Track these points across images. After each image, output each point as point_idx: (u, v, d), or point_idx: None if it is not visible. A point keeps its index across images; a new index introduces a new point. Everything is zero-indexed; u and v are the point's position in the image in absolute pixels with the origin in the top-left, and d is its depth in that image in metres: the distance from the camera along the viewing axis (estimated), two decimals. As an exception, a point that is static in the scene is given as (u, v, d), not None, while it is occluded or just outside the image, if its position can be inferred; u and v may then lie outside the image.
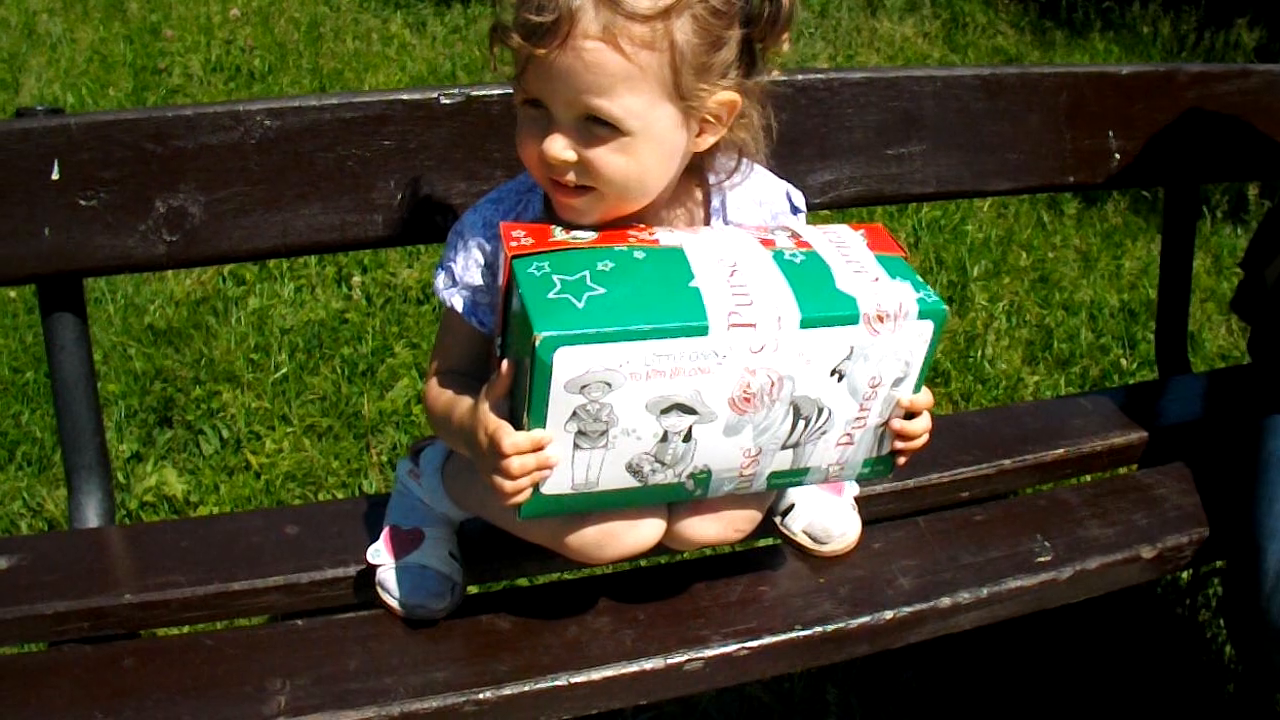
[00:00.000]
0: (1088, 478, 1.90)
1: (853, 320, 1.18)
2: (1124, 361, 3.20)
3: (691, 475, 1.22)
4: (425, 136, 1.59)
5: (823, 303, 1.17)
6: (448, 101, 1.58)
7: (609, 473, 1.18)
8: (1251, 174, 2.67)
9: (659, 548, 1.33)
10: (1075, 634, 2.16)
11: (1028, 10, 5.48)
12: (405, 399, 2.83)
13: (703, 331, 1.12)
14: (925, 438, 1.30)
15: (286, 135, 1.54)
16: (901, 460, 1.32)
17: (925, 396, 1.27)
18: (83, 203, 1.49)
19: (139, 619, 1.43)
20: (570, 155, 1.16)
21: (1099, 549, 1.58)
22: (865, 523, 1.57)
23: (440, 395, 1.30)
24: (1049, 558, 1.55)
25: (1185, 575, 2.34)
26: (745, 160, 1.30)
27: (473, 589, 1.47)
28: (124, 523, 2.38)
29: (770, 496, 1.40)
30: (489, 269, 1.28)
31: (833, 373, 1.20)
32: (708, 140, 1.23)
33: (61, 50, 4.81)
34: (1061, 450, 1.79)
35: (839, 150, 1.79)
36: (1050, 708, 2.04)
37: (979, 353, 3.14)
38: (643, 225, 1.25)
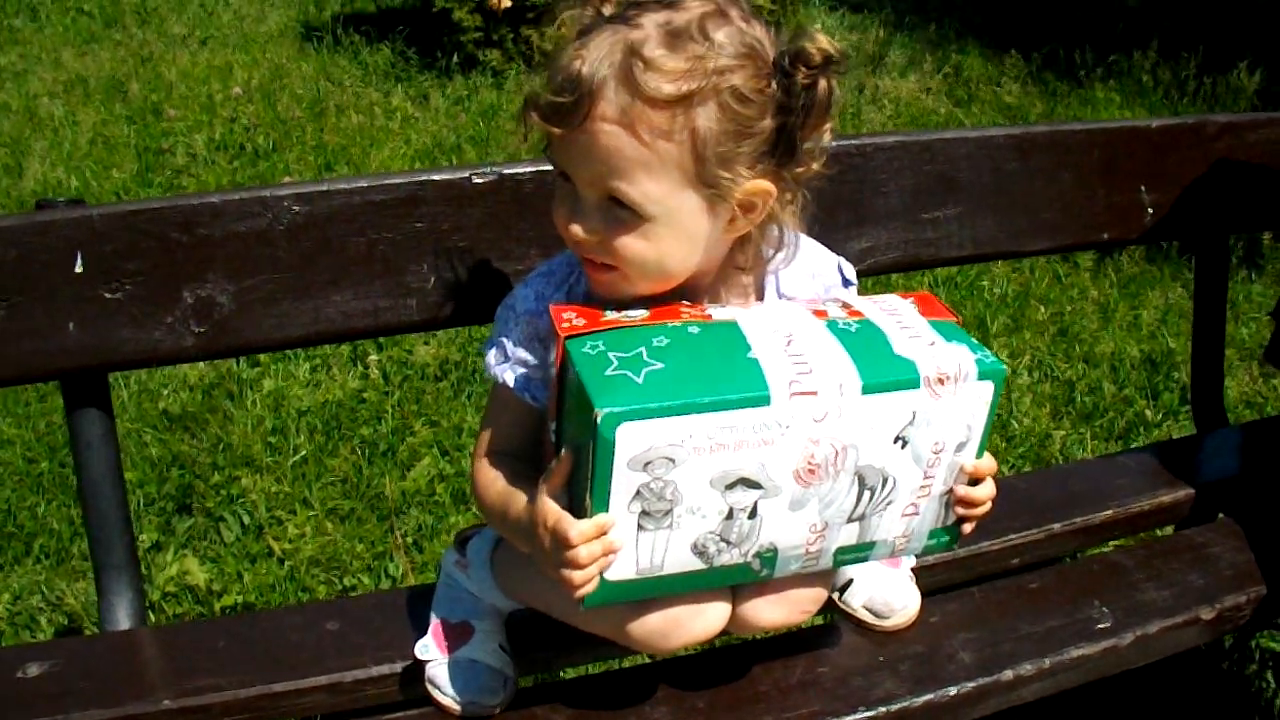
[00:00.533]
0: (1139, 537, 1.86)
1: (914, 384, 1.16)
2: (1149, 413, 3.17)
3: (758, 554, 1.19)
4: (457, 217, 1.56)
5: (883, 368, 1.16)
6: (480, 181, 1.56)
7: (674, 555, 1.15)
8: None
9: (720, 632, 1.29)
10: (1121, 693, 2.11)
11: (1029, 61, 5.50)
12: (427, 478, 2.79)
13: (765, 401, 1.10)
14: (989, 504, 1.27)
15: (315, 220, 1.51)
16: (967, 528, 1.29)
17: (988, 462, 1.25)
18: (108, 295, 1.46)
19: (178, 725, 1.38)
20: (591, 236, 1.16)
21: (1158, 613, 1.55)
22: (922, 594, 1.53)
23: (492, 484, 1.27)
24: (1109, 624, 1.52)
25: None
26: (794, 235, 1.27)
27: (525, 681, 1.43)
28: (147, 615, 2.34)
29: (834, 575, 1.36)
30: (542, 344, 1.26)
31: (896, 439, 1.17)
32: (742, 226, 1.20)
33: (64, 133, 4.82)
34: (1110, 511, 1.76)
35: (875, 216, 1.77)
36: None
37: (1003, 411, 3.11)
38: (692, 303, 1.23)
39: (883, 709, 1.36)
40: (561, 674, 1.74)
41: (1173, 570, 1.64)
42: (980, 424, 1.21)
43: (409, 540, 2.62)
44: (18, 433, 2.96)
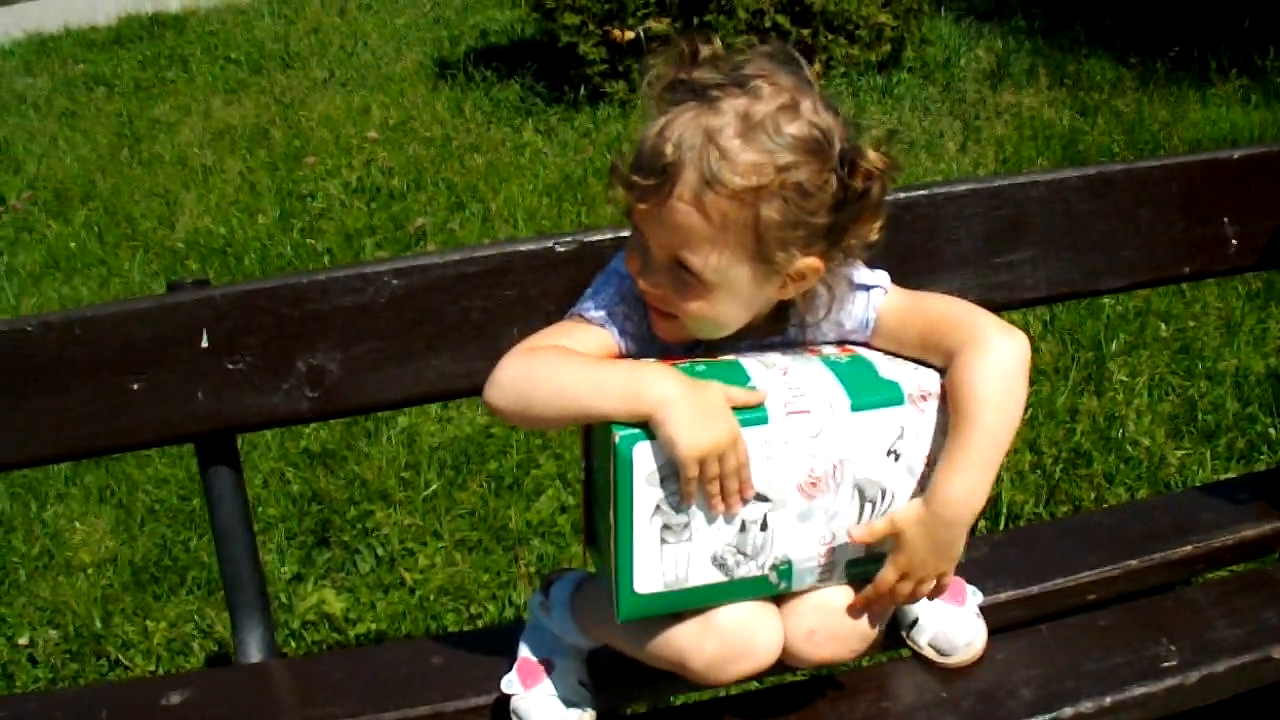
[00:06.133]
0: (1224, 572, 1.87)
1: (898, 401, 1.30)
2: (1273, 431, 3.11)
3: (774, 567, 1.31)
4: (544, 284, 1.69)
5: (869, 389, 1.30)
6: (562, 249, 1.68)
7: (696, 567, 1.28)
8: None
9: (779, 665, 1.38)
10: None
11: (1155, 66, 5.39)
12: (551, 509, 2.92)
13: (763, 420, 1.25)
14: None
15: (413, 292, 1.65)
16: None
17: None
18: (230, 366, 1.63)
19: (300, 750, 1.54)
20: (655, 290, 1.32)
21: (1227, 651, 1.56)
22: (990, 631, 1.58)
23: (562, 351, 1.34)
24: (1174, 662, 1.54)
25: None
26: (835, 302, 1.39)
27: (616, 711, 1.53)
28: (288, 643, 2.52)
29: (887, 614, 1.44)
30: (640, 302, 1.38)
31: (889, 453, 1.31)
32: (791, 292, 1.34)
33: (213, 181, 5.10)
34: (1189, 547, 1.77)
35: (947, 264, 1.83)
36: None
37: (1119, 431, 3.10)
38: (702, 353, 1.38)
39: (942, 745, 1.43)
40: (640, 708, 1.84)
41: (1249, 607, 1.64)
42: None
43: (532, 570, 2.75)
44: (170, 471, 3.19)
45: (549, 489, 3.00)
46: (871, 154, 1.26)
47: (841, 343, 1.43)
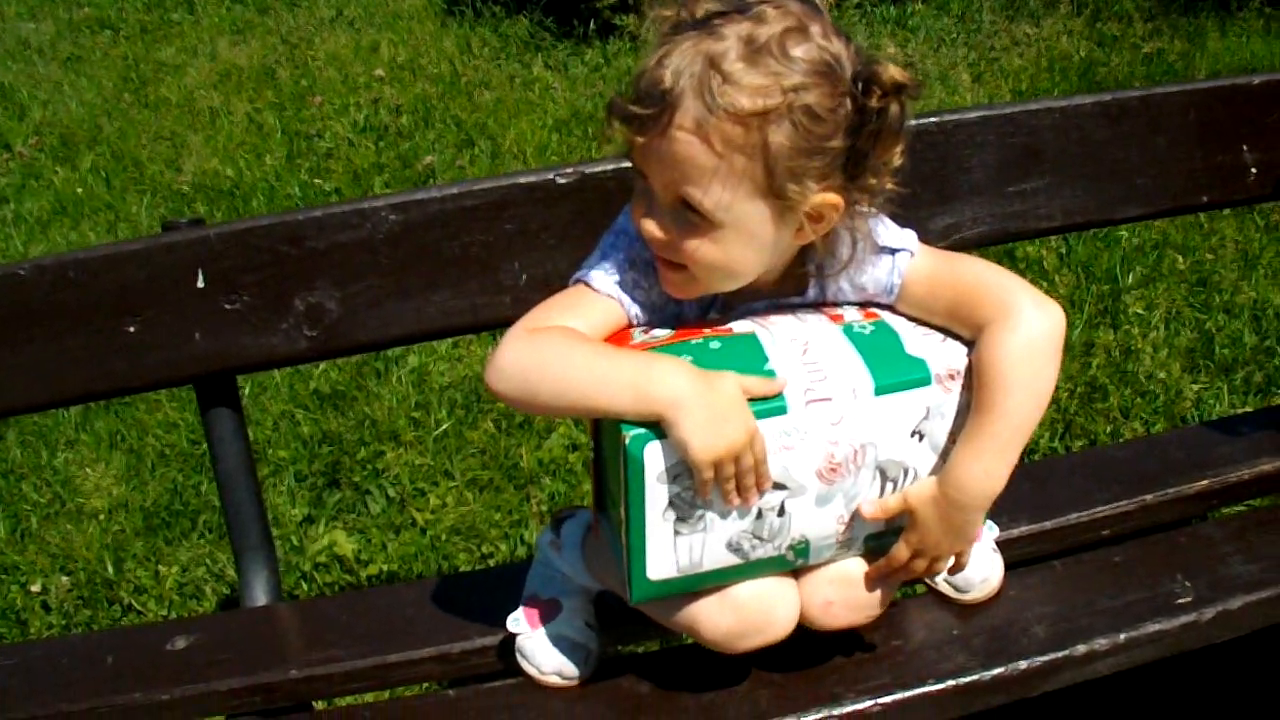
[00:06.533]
0: (1241, 507, 1.84)
1: (925, 382, 1.23)
2: (1291, 364, 3.07)
3: (791, 547, 1.27)
4: (545, 217, 1.65)
5: (894, 369, 1.23)
6: (563, 181, 1.65)
7: (711, 553, 1.24)
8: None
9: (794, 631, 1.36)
10: (1215, 663, 2.09)
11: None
12: (562, 447, 2.90)
13: (782, 410, 1.18)
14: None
15: (411, 228, 1.62)
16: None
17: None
18: (228, 306, 1.60)
19: (305, 692, 1.53)
20: (662, 236, 1.22)
21: (1242, 587, 1.54)
22: (1004, 567, 1.56)
23: (572, 335, 1.25)
24: (1190, 599, 1.52)
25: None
26: (862, 243, 1.30)
27: (622, 649, 1.51)
28: (299, 585, 2.52)
29: (897, 581, 1.41)
30: (651, 266, 1.31)
31: (913, 434, 1.25)
32: (810, 235, 1.25)
33: (220, 123, 5.06)
34: (1205, 482, 1.74)
35: (959, 192, 1.78)
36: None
37: (1135, 365, 3.06)
38: (720, 317, 1.31)
39: (951, 682, 1.40)
40: (647, 647, 1.83)
41: (1265, 543, 1.61)
42: None
43: (544, 508, 2.74)
44: (181, 415, 3.18)
45: (560, 427, 2.98)
46: (892, 68, 1.16)
47: (864, 304, 1.35)
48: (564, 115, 4.87)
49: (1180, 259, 3.55)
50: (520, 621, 1.48)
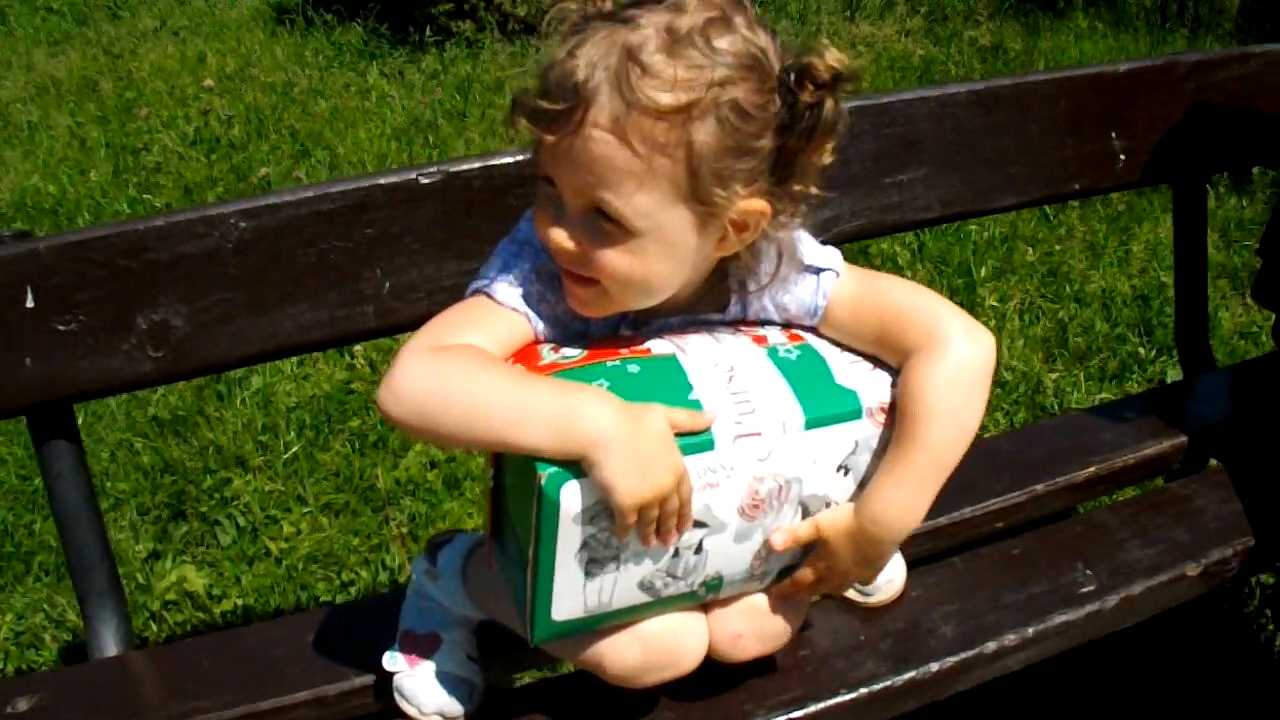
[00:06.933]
0: (1129, 492, 1.85)
1: (856, 415, 1.16)
2: (1142, 350, 3.14)
3: (704, 584, 1.19)
4: (407, 219, 1.54)
5: (825, 401, 1.15)
6: (426, 181, 1.54)
7: (622, 593, 1.15)
8: (1259, 159, 2.62)
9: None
10: (1114, 643, 2.10)
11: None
12: (419, 466, 2.78)
13: (709, 446, 1.09)
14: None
15: (263, 235, 1.49)
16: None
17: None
18: (61, 328, 1.45)
19: (169, 750, 1.38)
20: (572, 247, 1.11)
21: (1142, 572, 1.53)
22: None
23: (481, 357, 1.12)
24: (1092, 587, 1.50)
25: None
26: (783, 265, 1.21)
27: (508, 680, 1.42)
28: (148, 626, 2.35)
29: (810, 601, 1.35)
30: (557, 279, 1.18)
31: (839, 468, 1.17)
32: (733, 245, 1.15)
33: (39, 138, 4.79)
34: (1093, 468, 1.74)
35: (837, 184, 1.72)
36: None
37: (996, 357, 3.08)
38: (634, 335, 1.21)
39: (864, 690, 1.35)
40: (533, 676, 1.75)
41: (1158, 526, 1.62)
42: None
43: (404, 530, 2.62)
44: (6, 449, 2.95)
45: (416, 444, 2.86)
46: (829, 56, 1.06)
47: (788, 326, 1.26)
48: (402, 123, 4.76)
49: (1030, 251, 3.62)
50: (397, 660, 1.37)
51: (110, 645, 1.59)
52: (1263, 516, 1.63)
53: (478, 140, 4.59)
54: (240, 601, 2.43)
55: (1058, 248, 3.65)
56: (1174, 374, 3.02)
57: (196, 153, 4.52)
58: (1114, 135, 1.91)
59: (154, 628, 2.37)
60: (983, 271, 3.50)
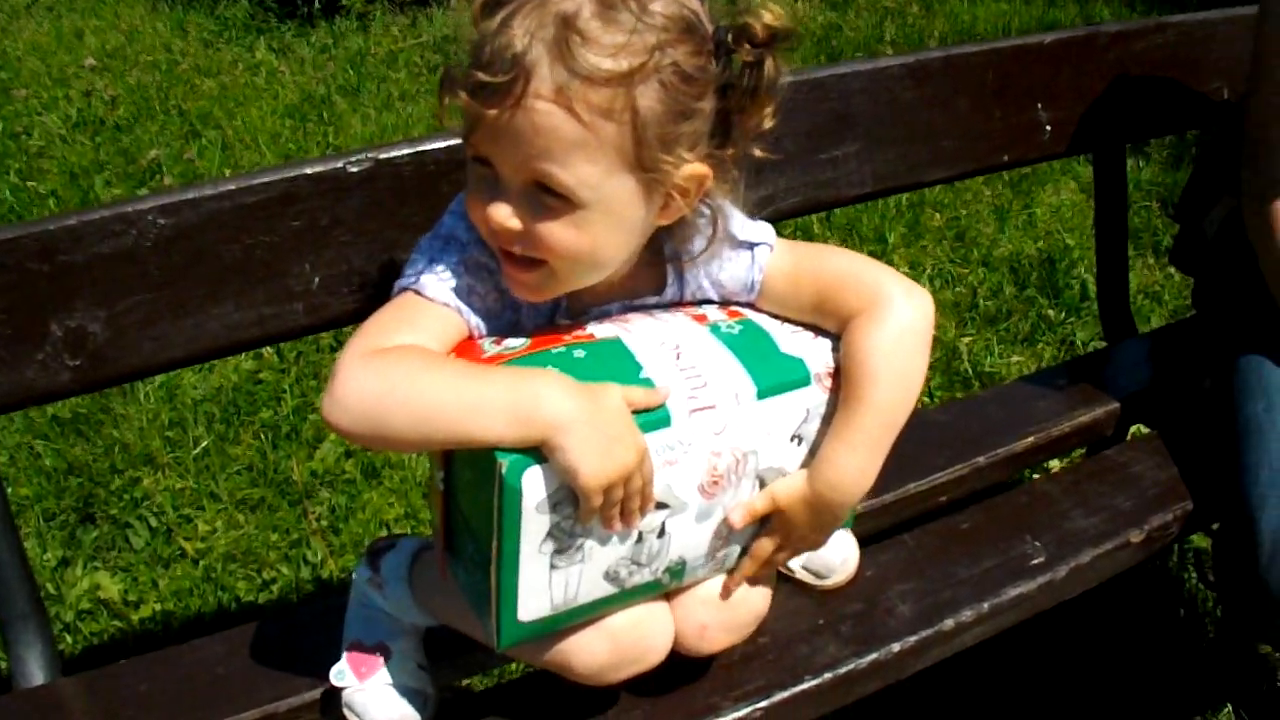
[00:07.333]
0: (1068, 458, 1.87)
1: (805, 382, 1.16)
2: (1051, 312, 3.19)
3: (667, 569, 1.17)
4: (336, 210, 1.47)
5: (774, 371, 1.15)
6: (355, 170, 1.47)
7: (587, 585, 1.12)
8: (1178, 127, 2.69)
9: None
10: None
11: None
12: (335, 456, 2.71)
13: (666, 423, 1.08)
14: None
15: (184, 231, 1.40)
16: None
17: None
18: (-34, 339, 1.35)
19: (106, 784, 1.31)
20: (515, 224, 1.07)
21: (1088, 541, 1.55)
22: (856, 545, 1.51)
23: (425, 355, 1.08)
24: (1042, 559, 1.52)
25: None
26: (719, 231, 1.19)
27: (460, 684, 1.38)
28: (63, 637, 2.25)
29: (773, 589, 1.33)
30: (485, 270, 1.15)
31: (793, 438, 1.17)
32: (675, 212, 1.13)
33: (-94, 129, 4.55)
34: (1031, 438, 1.75)
35: (772, 162, 1.70)
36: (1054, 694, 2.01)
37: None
38: (573, 323, 1.19)
39: (828, 675, 1.34)
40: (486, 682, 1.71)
41: (1099, 494, 1.64)
42: None
43: (324, 524, 2.55)
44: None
45: (330, 434, 2.78)
46: (766, 14, 1.05)
47: (725, 303, 1.25)
48: (294, 100, 4.63)
49: (937, 215, 3.64)
50: (345, 674, 1.31)
51: (36, 673, 1.49)
52: (1199, 479, 1.66)
53: (374, 115, 4.48)
54: (159, 607, 2.34)
55: (963, 212, 3.69)
56: (1083, 334, 3.08)
57: (81, 135, 4.33)
58: (1040, 106, 1.92)
59: (69, 639, 2.27)
60: (892, 238, 3.52)
